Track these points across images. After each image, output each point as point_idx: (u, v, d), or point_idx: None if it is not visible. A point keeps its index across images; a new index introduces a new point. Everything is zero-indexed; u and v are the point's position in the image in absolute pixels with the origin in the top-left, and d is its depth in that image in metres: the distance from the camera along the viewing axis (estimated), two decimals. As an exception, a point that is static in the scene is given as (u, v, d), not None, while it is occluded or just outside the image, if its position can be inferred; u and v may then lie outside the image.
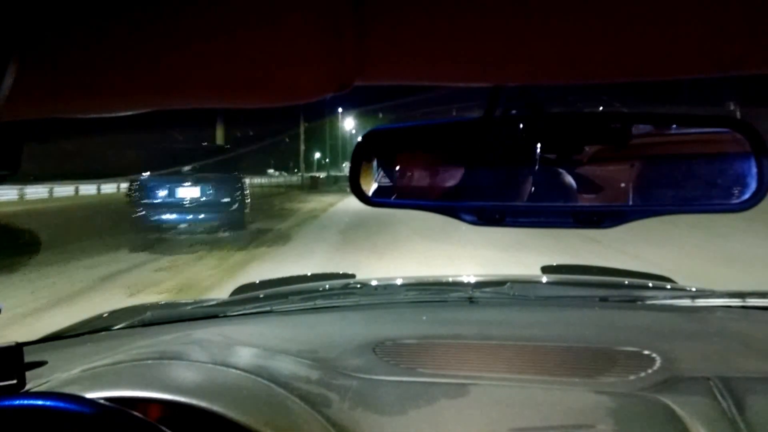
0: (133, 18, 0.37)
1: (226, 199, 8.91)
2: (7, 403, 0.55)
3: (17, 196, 19.32)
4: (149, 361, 0.90)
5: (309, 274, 1.75)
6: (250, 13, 0.37)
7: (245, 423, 0.73)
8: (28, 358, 0.72)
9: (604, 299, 1.31)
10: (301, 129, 37.85)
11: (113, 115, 0.46)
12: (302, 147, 39.56)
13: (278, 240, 9.38)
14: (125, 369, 0.87)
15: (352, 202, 18.20)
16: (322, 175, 51.80)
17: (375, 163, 0.73)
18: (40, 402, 0.55)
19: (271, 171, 73.14)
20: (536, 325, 1.15)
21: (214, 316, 1.31)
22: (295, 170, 60.78)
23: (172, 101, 0.45)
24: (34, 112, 0.44)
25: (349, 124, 54.37)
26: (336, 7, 0.37)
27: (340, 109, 51.42)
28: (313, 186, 32.76)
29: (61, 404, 0.54)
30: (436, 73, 0.43)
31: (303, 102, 0.45)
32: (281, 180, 49.41)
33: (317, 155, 72.72)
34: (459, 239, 7.37)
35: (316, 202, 20.49)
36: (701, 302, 1.27)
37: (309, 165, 73.65)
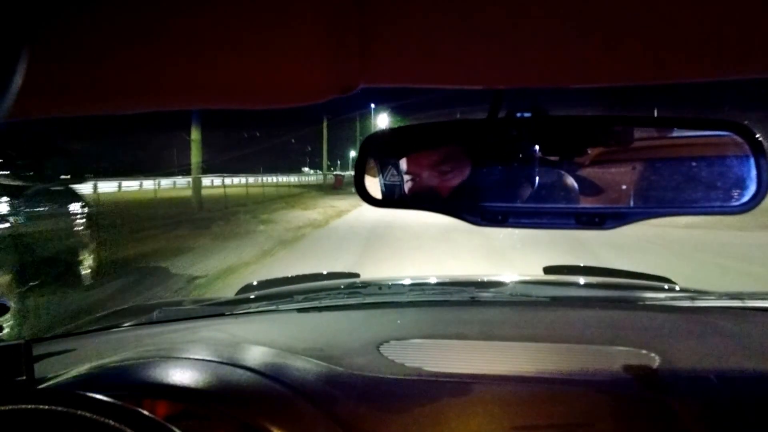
0: (142, 20, 0.37)
1: None
2: (15, 401, 0.54)
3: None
4: (156, 359, 0.87)
5: (313, 273, 1.64)
6: (257, 17, 0.37)
7: (250, 420, 0.72)
8: (36, 354, 0.69)
9: (604, 299, 1.30)
10: (324, 128, 33.47)
11: (121, 114, 0.46)
12: (325, 146, 34.91)
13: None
14: (132, 367, 0.84)
15: (366, 212, 12.65)
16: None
17: (380, 164, 0.70)
18: (48, 400, 0.54)
19: (306, 169, 70.58)
20: (538, 325, 1.12)
21: (220, 315, 1.25)
22: (331, 168, 57.35)
23: (179, 102, 0.45)
24: (42, 111, 0.44)
25: (384, 120, 49.45)
26: (341, 12, 0.37)
27: (372, 105, 46.21)
28: (336, 186, 27.88)
29: (68, 403, 0.53)
30: (440, 75, 0.43)
31: (308, 104, 0.44)
32: (312, 179, 45.86)
33: (352, 153, 67.96)
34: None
35: (324, 208, 14.96)
36: (700, 303, 1.23)
37: (344, 164, 69.69)
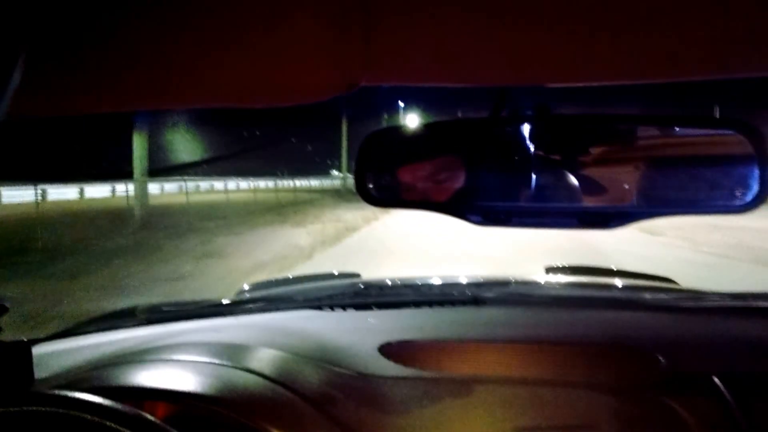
0: (143, 19, 0.36)
1: None
2: (15, 403, 0.52)
3: None
4: (156, 361, 0.84)
5: (314, 274, 1.55)
6: (259, 15, 0.37)
7: (251, 422, 0.70)
8: (35, 355, 0.67)
9: (607, 300, 1.24)
10: (344, 127, 29.28)
11: (122, 111, 0.45)
12: (344, 147, 30.92)
13: None
14: (131, 368, 0.81)
15: (383, 232, 7.89)
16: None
17: (383, 163, 0.68)
18: (47, 402, 0.52)
19: (334, 172, 67.06)
20: (540, 325, 1.07)
21: (221, 316, 1.17)
22: (361, 172, 53.07)
23: (181, 101, 0.44)
24: (42, 111, 0.43)
25: (414, 119, 45.10)
26: (344, 10, 0.37)
27: (401, 104, 41.72)
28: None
29: (68, 405, 0.52)
30: (442, 74, 0.42)
31: (311, 102, 0.43)
32: (337, 183, 42.13)
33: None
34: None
35: (324, 223, 10.27)
36: (703, 303, 1.17)
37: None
